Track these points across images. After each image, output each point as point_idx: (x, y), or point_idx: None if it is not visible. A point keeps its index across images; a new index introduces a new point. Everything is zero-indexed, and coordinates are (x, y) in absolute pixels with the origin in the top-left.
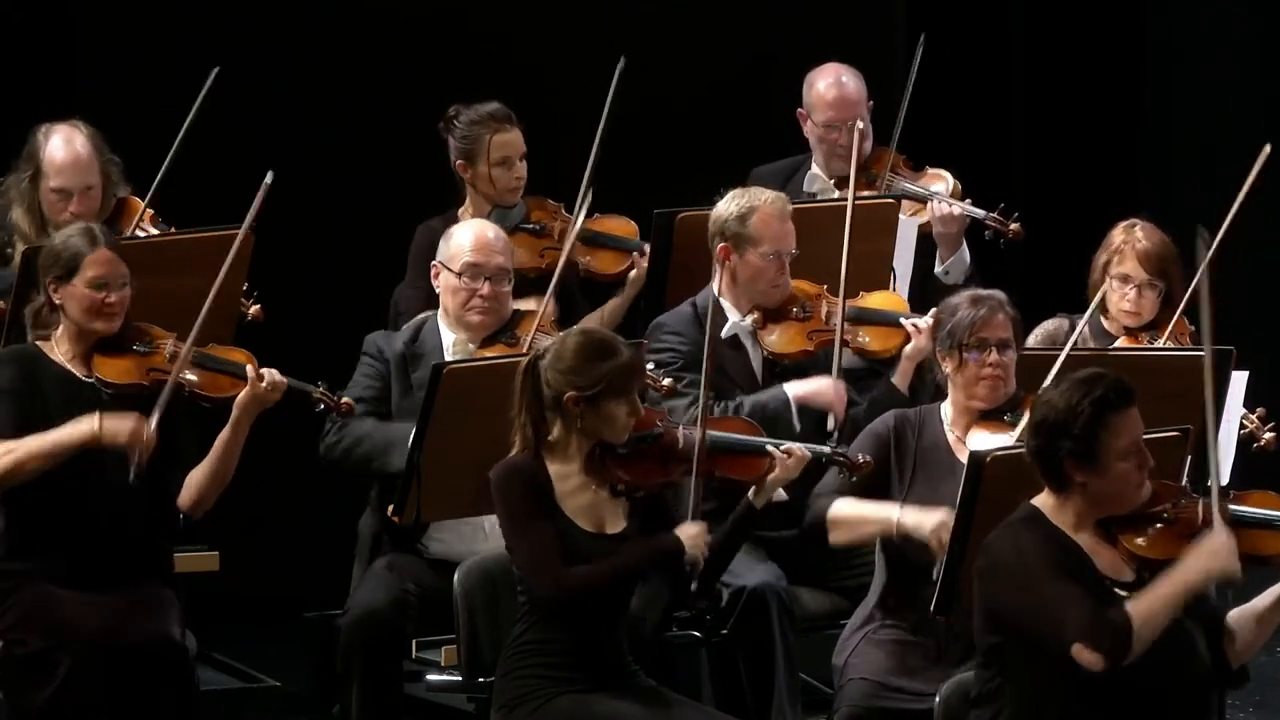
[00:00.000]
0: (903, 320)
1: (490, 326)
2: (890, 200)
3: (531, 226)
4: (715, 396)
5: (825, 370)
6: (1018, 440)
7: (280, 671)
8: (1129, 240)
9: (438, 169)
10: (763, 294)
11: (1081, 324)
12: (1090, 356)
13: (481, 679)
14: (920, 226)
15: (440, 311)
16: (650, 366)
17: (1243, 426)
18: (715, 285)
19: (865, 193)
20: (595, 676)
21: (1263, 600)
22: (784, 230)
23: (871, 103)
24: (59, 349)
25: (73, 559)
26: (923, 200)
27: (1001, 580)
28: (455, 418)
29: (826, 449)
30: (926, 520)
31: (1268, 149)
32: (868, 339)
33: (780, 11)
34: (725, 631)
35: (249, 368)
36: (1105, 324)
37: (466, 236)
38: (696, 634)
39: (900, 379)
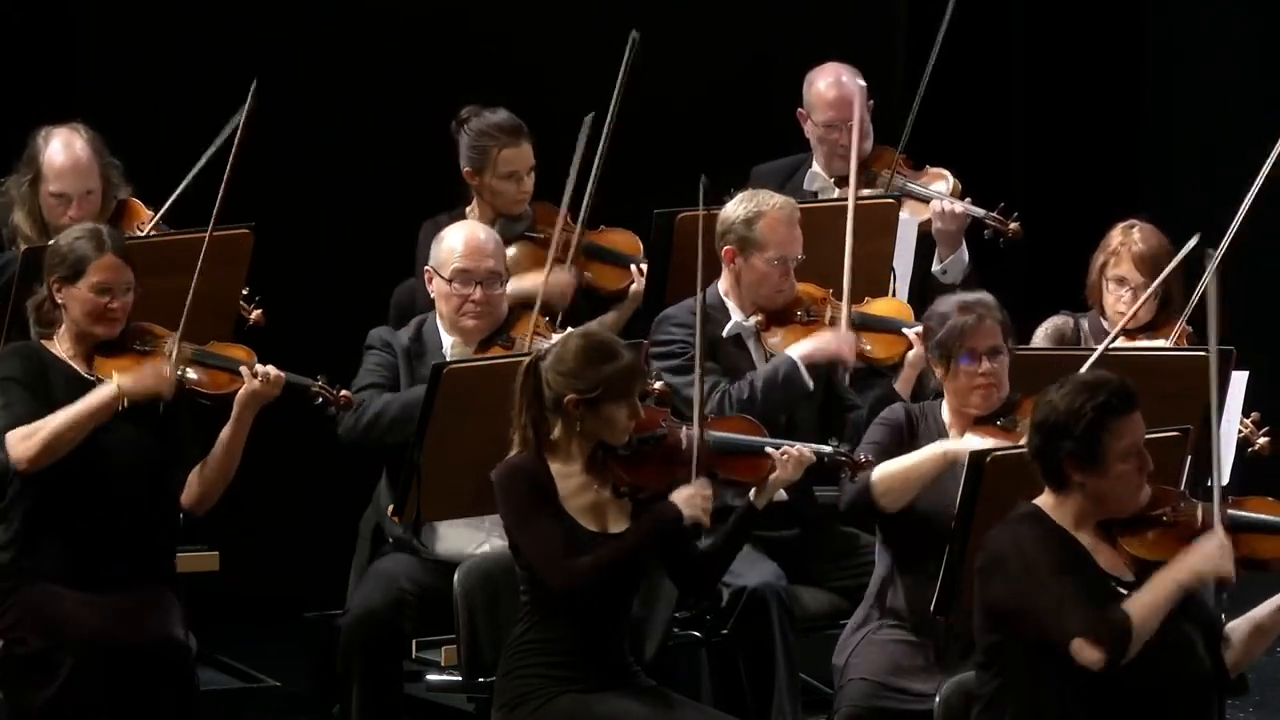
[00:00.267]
0: (905, 330)
1: (485, 330)
2: (891, 199)
3: (537, 235)
4: (728, 379)
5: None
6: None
7: (280, 671)
8: (1126, 242)
9: (438, 168)
10: (767, 298)
11: (1115, 330)
12: (1086, 356)
13: (481, 679)
14: (920, 225)
15: (438, 313)
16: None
17: (1238, 431)
18: (717, 286)
19: (866, 191)
20: (596, 676)
21: (1262, 610)
22: (790, 236)
23: (872, 102)
24: (60, 346)
25: (74, 559)
26: (924, 200)
27: (1002, 575)
28: (455, 418)
29: (828, 449)
30: (973, 440)
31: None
32: (872, 346)
33: (780, 11)
34: (725, 631)
35: (243, 365)
36: (1105, 325)
37: (457, 241)
38: (696, 634)
39: (903, 386)
